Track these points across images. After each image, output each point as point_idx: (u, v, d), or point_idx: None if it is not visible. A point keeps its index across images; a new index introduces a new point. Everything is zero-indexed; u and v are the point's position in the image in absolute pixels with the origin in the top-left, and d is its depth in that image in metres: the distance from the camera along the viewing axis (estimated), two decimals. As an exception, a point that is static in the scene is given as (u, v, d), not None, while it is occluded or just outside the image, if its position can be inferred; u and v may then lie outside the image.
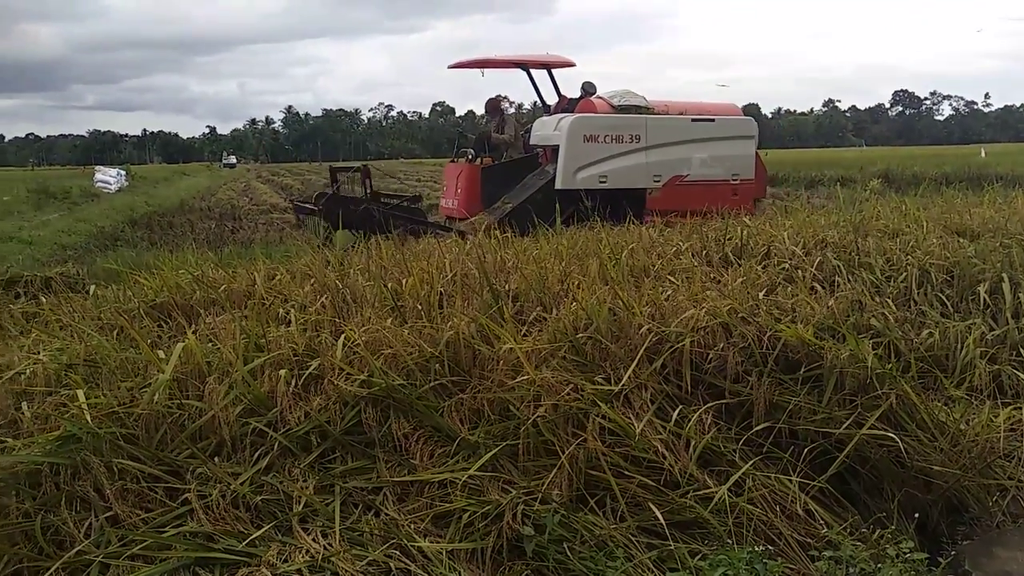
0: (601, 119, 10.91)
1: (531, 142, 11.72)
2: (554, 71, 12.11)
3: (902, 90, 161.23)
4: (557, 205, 8.25)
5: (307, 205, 11.62)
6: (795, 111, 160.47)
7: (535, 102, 12.52)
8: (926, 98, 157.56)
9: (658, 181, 11.00)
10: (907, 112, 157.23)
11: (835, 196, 10.80)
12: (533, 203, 10.11)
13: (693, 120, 11.36)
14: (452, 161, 12.38)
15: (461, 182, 11.26)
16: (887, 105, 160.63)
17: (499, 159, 11.61)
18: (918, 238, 6.16)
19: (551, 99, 12.16)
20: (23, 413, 3.09)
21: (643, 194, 10.84)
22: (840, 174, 27.82)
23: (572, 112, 11.15)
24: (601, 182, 10.59)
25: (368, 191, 10.23)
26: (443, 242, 6.38)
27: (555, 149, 10.79)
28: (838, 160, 37.65)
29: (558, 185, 10.43)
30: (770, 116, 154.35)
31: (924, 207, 8.19)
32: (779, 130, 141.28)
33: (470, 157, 11.62)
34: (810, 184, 26.51)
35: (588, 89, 11.57)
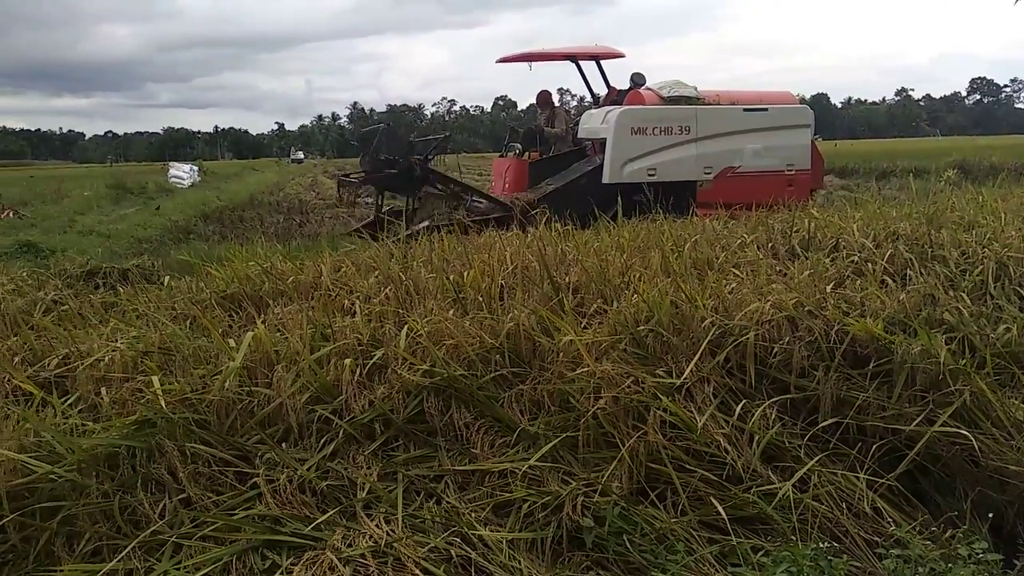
0: (649, 111, 10.74)
1: (579, 135, 11.59)
2: (604, 62, 11.97)
3: (980, 77, 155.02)
4: (606, 196, 8.15)
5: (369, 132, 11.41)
6: (866, 100, 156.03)
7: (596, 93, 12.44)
8: (1006, 85, 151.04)
9: (709, 173, 10.78)
10: (985, 100, 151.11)
11: (908, 187, 10.45)
12: (576, 187, 10.03)
13: (745, 110, 11.10)
14: (501, 156, 12.34)
15: (509, 176, 11.24)
16: (964, 93, 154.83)
17: (547, 153, 11.53)
18: (995, 230, 5.92)
19: (601, 91, 12.06)
20: (102, 398, 3.22)
21: (693, 187, 10.63)
22: (913, 165, 26.90)
23: (621, 104, 11.02)
24: (650, 175, 10.42)
25: (428, 156, 10.23)
26: (504, 235, 6.40)
27: (603, 142, 10.67)
28: (911, 150, 36.48)
29: (605, 179, 10.33)
30: (839, 105, 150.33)
31: (1002, 198, 7.88)
32: (849, 120, 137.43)
33: (518, 152, 11.57)
34: (881, 175, 25.76)
35: (637, 80, 11.40)
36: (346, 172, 10.89)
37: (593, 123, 11.20)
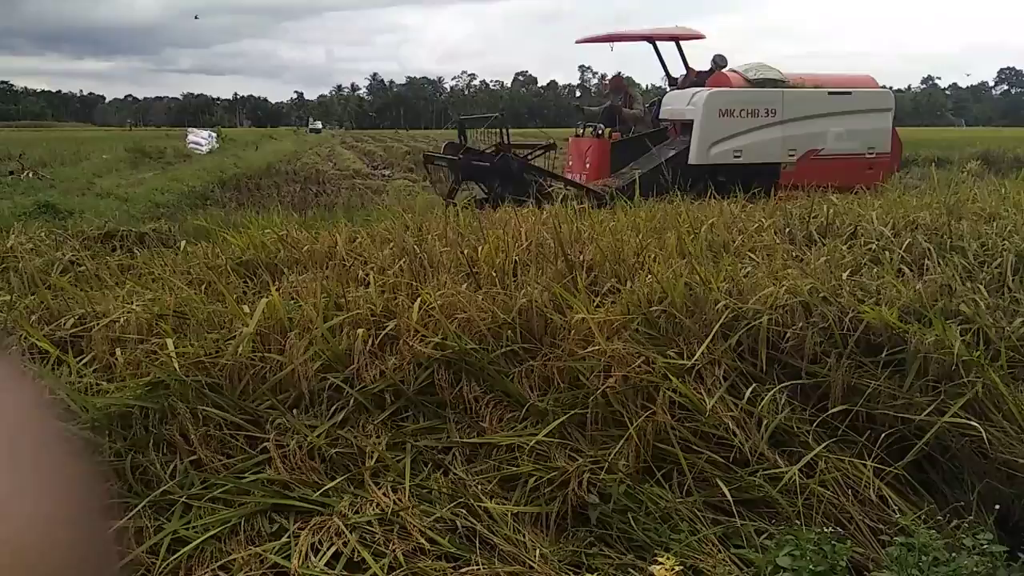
0: (737, 93, 10.76)
1: (660, 116, 11.58)
2: (682, 44, 11.93)
3: (1008, 68, 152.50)
4: (689, 176, 8.18)
5: (437, 155, 11.32)
6: (892, 88, 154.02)
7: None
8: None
9: (793, 155, 10.79)
10: (1013, 91, 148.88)
11: (929, 177, 10.36)
12: (660, 173, 10.03)
13: (830, 93, 11.08)
14: (577, 136, 12.32)
15: (591, 156, 11.26)
16: (991, 83, 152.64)
17: (626, 134, 11.52)
18: (1017, 223, 5.85)
19: (677, 72, 12.06)
20: (117, 358, 3.26)
21: (777, 169, 10.62)
22: (936, 155, 26.56)
23: (703, 86, 10.99)
24: (736, 157, 10.48)
25: (503, 141, 10.17)
26: (520, 211, 6.38)
27: (686, 124, 10.67)
28: (935, 140, 35.95)
29: (692, 160, 10.35)
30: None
31: (1025, 191, 7.77)
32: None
33: (600, 132, 11.56)
34: (903, 164, 25.47)
35: (719, 63, 11.38)
36: (432, 152, 10.90)
37: (678, 104, 11.18)
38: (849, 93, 11.20)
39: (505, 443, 3.04)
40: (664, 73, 12.38)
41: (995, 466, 3.22)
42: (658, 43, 12.03)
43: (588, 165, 11.25)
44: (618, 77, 12.30)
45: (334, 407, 3.09)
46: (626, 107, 11.86)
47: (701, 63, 11.75)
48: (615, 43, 12.28)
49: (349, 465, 2.89)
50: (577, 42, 12.70)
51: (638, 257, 4.52)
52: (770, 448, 3.15)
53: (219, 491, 2.71)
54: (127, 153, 27.73)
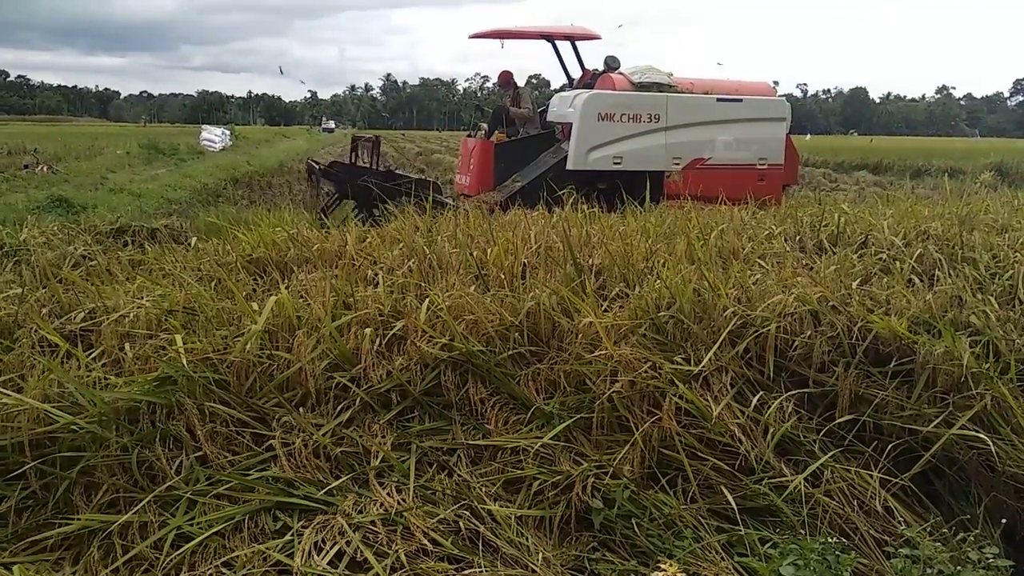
0: (618, 96, 10.33)
1: (548, 118, 11.16)
2: (579, 44, 11.50)
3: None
4: (573, 183, 7.89)
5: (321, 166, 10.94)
6: (905, 96, 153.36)
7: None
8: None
9: (677, 164, 10.36)
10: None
11: (942, 187, 10.26)
12: (544, 182, 9.46)
13: (719, 99, 10.68)
14: (468, 136, 11.84)
15: (475, 158, 10.76)
16: (1006, 94, 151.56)
17: (515, 135, 11.03)
18: (1029, 235, 5.82)
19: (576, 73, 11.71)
20: (126, 353, 3.28)
21: (661, 177, 10.15)
22: (949, 165, 26.49)
23: (592, 88, 10.68)
24: (615, 163, 10.07)
25: (376, 165, 9.91)
26: (529, 214, 6.38)
27: (571, 127, 10.27)
28: (948, 150, 35.81)
29: (569, 166, 9.97)
30: (878, 100, 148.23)
31: (1039, 203, 7.72)
32: (886, 116, 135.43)
33: (484, 132, 11.13)
34: (916, 174, 25.42)
35: (611, 64, 10.93)
36: (315, 160, 10.89)
37: (562, 107, 10.78)
38: (740, 100, 10.79)
39: (510, 446, 3.04)
40: (564, 73, 11.93)
41: (1002, 480, 3.20)
42: (578, 43, 11.54)
43: (472, 167, 10.77)
44: (506, 72, 11.61)
45: (340, 406, 3.10)
46: (513, 105, 11.26)
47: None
48: (508, 39, 11.58)
49: (354, 464, 2.90)
50: (470, 37, 12.25)
51: (647, 262, 4.51)
52: (776, 456, 3.14)
53: (224, 488, 2.72)
54: (141, 149, 27.90)
